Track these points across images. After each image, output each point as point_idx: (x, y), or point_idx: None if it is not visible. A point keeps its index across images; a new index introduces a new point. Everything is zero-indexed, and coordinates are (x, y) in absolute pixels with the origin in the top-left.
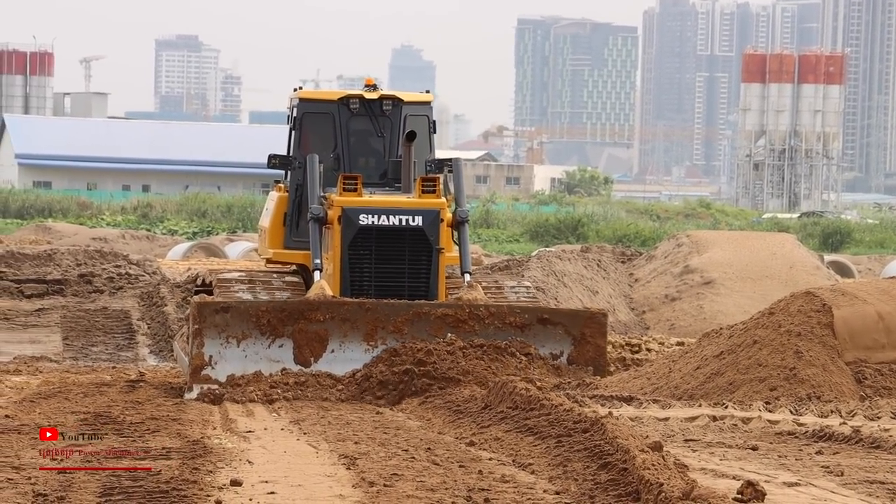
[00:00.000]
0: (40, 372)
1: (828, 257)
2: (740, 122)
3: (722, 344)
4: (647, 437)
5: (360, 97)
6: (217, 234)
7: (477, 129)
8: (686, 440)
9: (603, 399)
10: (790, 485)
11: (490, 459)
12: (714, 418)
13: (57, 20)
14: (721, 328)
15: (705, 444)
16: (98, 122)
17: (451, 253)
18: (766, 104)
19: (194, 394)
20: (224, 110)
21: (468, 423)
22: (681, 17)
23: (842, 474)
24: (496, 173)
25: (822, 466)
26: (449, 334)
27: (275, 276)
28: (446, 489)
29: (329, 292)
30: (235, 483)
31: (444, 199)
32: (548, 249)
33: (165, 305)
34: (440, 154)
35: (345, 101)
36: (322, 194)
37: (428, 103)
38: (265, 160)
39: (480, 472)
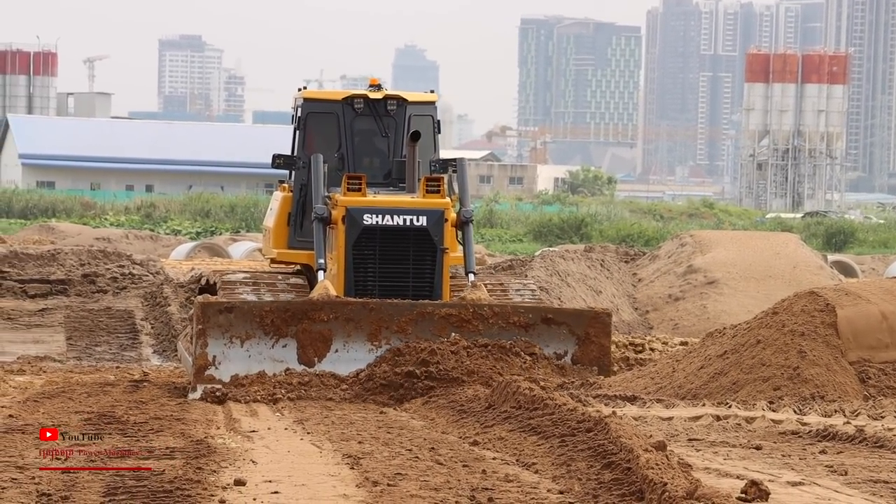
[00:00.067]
0: (44, 372)
1: (831, 257)
2: (744, 122)
3: (725, 343)
4: (651, 436)
5: (365, 97)
6: (220, 234)
7: (480, 129)
8: (690, 440)
9: (606, 398)
10: (794, 484)
11: (494, 459)
12: (718, 418)
13: (61, 20)
14: (724, 328)
15: (709, 443)
16: (101, 123)
17: (455, 253)
18: (770, 104)
19: (198, 394)
20: (227, 110)
21: (472, 422)
22: (684, 17)
23: (845, 473)
24: (499, 173)
25: (826, 466)
26: (453, 334)
27: (279, 277)
28: (450, 489)
29: (333, 292)
30: (239, 483)
31: (448, 199)
32: (551, 249)
33: (169, 305)
34: (444, 154)
35: (349, 101)
36: (326, 194)
37: (432, 103)
38: (268, 160)
39: (484, 471)
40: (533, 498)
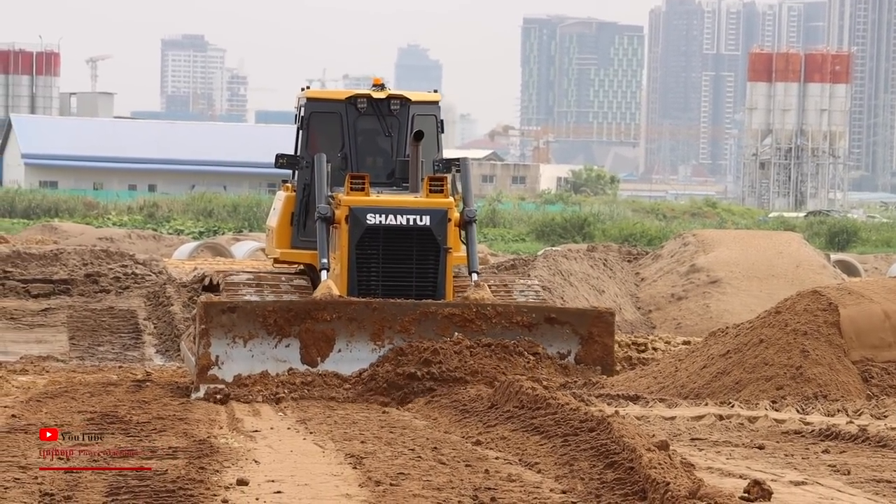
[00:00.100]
0: (47, 371)
1: (834, 256)
2: (746, 121)
3: (728, 343)
4: (654, 436)
5: (368, 97)
6: (223, 233)
7: (483, 129)
8: (692, 439)
9: (609, 398)
10: (797, 484)
11: (496, 459)
12: (720, 417)
13: (63, 20)
14: (727, 327)
15: (711, 442)
16: (104, 122)
17: (458, 253)
18: (773, 103)
19: (201, 393)
20: (230, 110)
21: (474, 422)
22: (687, 16)
23: (848, 473)
24: (502, 172)
25: (829, 465)
26: (456, 333)
27: (283, 279)
28: (452, 488)
29: (336, 292)
30: (242, 482)
31: (451, 199)
32: (554, 249)
33: (172, 305)
34: (447, 154)
35: (352, 100)
36: (329, 194)
37: (436, 103)
38: (271, 160)
39: (487, 471)
40: (535, 498)
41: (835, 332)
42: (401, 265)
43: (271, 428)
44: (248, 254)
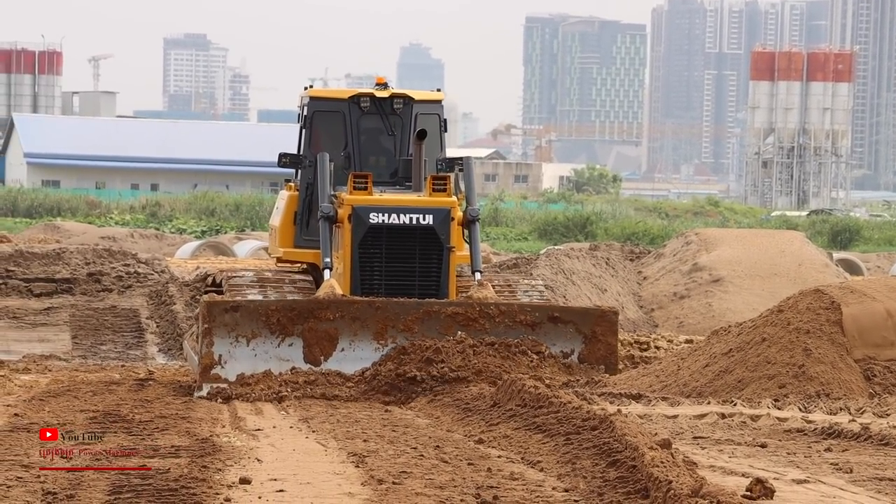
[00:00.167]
0: (49, 370)
1: (837, 255)
2: (749, 120)
3: (731, 341)
4: (656, 434)
5: (371, 96)
6: (226, 232)
7: (485, 128)
8: (695, 438)
9: (612, 397)
10: (799, 482)
11: (499, 457)
12: (723, 416)
13: (65, 19)
14: (730, 326)
15: (714, 441)
16: (107, 121)
17: (461, 252)
18: (775, 102)
19: (204, 392)
20: (232, 109)
21: (477, 420)
22: (689, 15)
23: (851, 471)
24: (505, 171)
25: (831, 463)
26: (459, 332)
27: (286, 280)
28: (455, 487)
29: (339, 291)
30: (244, 481)
31: (454, 198)
32: (556, 247)
33: (174, 304)
34: (449, 152)
35: (356, 99)
36: (332, 193)
37: (439, 102)
38: (273, 159)
39: (489, 469)
40: (538, 496)
41: (837, 330)
42: (404, 264)
43: (274, 427)
44: (250, 253)
